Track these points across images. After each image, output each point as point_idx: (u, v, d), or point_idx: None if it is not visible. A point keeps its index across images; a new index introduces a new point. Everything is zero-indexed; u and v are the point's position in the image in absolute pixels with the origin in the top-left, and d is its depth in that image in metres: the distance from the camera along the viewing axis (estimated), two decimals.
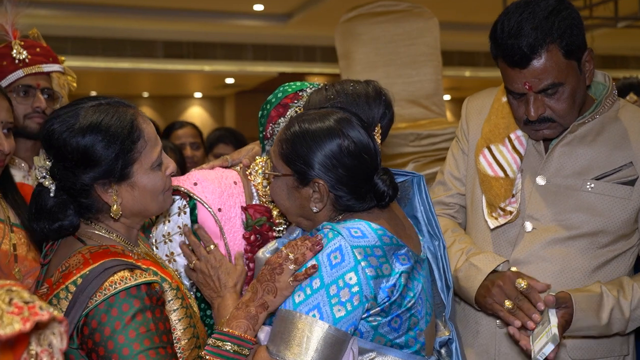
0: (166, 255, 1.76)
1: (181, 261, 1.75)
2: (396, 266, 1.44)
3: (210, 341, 1.43)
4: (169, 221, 1.76)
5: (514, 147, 1.90)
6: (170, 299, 1.47)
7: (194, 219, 1.75)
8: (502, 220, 1.86)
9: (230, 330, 1.43)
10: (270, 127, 1.80)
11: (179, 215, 1.76)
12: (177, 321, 1.47)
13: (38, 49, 2.42)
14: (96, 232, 1.50)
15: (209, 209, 1.74)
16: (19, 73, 2.34)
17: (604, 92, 1.87)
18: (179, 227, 1.75)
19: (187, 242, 1.73)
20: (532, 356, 1.58)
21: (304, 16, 8.33)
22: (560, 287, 1.77)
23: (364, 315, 1.43)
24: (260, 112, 1.85)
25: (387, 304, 1.43)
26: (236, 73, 10.54)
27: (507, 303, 1.70)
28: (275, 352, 1.38)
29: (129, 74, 10.34)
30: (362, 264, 1.40)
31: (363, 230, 1.44)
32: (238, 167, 1.89)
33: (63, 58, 2.56)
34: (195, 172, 1.83)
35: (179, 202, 1.77)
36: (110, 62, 9.09)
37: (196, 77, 11.23)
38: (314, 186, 1.50)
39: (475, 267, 1.83)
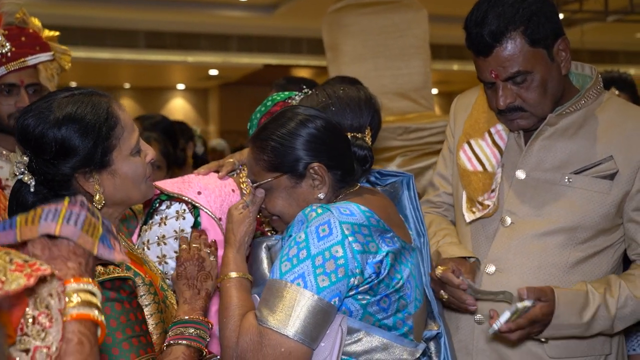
0: (157, 257, 1.77)
1: (173, 264, 1.76)
2: (382, 246, 1.48)
3: (170, 332, 1.48)
4: (165, 224, 1.77)
5: (493, 142, 1.91)
6: (142, 294, 1.47)
7: (197, 227, 1.77)
8: (478, 214, 1.85)
9: (188, 317, 1.49)
10: None
11: (176, 219, 1.77)
12: (148, 316, 1.47)
13: (23, 38, 2.28)
14: None
15: (214, 218, 1.77)
16: (1, 70, 2.21)
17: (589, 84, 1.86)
18: (175, 231, 1.77)
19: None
20: (490, 330, 1.62)
21: (290, 7, 8.27)
22: (538, 283, 1.75)
23: (352, 292, 1.46)
24: (249, 124, 1.90)
25: (375, 281, 1.46)
26: (220, 64, 10.48)
27: (441, 294, 1.72)
28: (260, 317, 1.43)
29: (110, 65, 10.25)
30: (350, 238, 1.43)
31: (352, 210, 1.48)
32: (235, 175, 1.91)
33: (56, 33, 2.41)
34: (195, 180, 1.84)
35: (177, 206, 1.79)
36: (91, 52, 8.98)
37: (179, 68, 11.16)
38: (311, 174, 1.54)
39: (439, 254, 1.84)
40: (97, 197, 1.46)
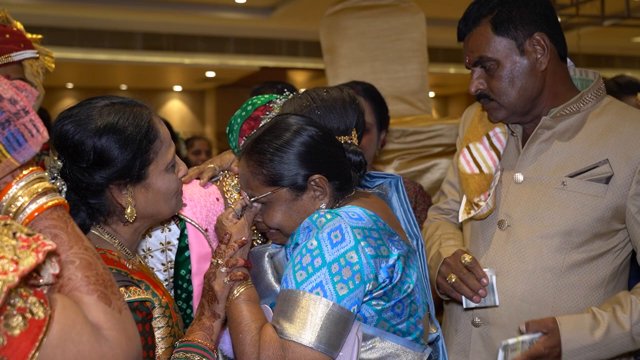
0: None
1: (161, 277, 1.73)
2: (393, 250, 1.47)
3: (175, 354, 1.44)
4: (151, 236, 1.74)
5: (491, 144, 1.93)
6: (157, 316, 1.45)
7: (184, 239, 1.74)
8: (472, 213, 1.86)
9: (189, 339, 1.46)
10: (243, 141, 1.79)
11: (162, 231, 1.73)
12: (159, 339, 1.45)
13: (7, 35, 2.29)
14: (96, 233, 1.48)
15: (202, 230, 1.74)
16: None
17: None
18: (161, 243, 1.73)
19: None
20: None
21: (287, 9, 8.26)
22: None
23: (366, 298, 1.44)
24: (228, 128, 1.86)
25: (389, 286, 1.45)
26: (217, 66, 10.47)
27: (450, 277, 1.74)
28: (280, 329, 1.39)
29: (107, 66, 10.23)
30: (362, 243, 1.42)
31: (359, 214, 1.47)
32: (217, 182, 1.88)
33: (39, 36, 2.42)
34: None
35: None
36: (88, 53, 8.97)
37: (176, 70, 11.15)
38: (312, 186, 1.53)
39: (440, 255, 1.86)
40: (129, 210, 1.44)
